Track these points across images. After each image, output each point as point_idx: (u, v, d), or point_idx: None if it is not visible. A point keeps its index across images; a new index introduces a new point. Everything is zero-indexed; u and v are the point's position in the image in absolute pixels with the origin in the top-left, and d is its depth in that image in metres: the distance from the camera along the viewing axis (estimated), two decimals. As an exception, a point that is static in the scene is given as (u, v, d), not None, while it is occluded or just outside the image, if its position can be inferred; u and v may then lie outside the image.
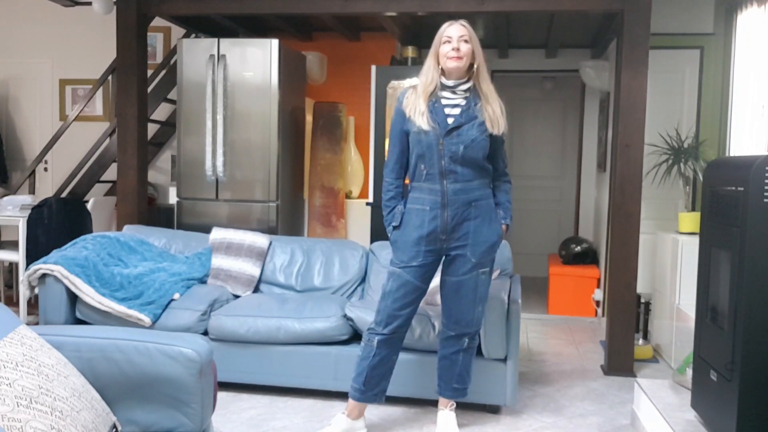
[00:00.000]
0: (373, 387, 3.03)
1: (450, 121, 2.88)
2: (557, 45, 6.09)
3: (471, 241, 2.92)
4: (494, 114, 2.90)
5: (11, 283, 5.75)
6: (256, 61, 4.56)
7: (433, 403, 3.33)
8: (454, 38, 2.86)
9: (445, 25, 2.94)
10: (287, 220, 4.83)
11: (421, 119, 2.87)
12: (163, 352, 1.90)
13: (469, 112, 2.89)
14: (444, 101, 2.91)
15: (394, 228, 3.00)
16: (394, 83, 4.79)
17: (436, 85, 2.91)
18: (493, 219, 2.97)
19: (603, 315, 5.43)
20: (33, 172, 5.94)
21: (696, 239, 3.92)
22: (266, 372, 3.56)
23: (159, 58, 6.36)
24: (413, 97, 2.94)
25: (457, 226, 2.90)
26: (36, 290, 3.68)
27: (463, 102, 2.91)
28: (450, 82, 2.91)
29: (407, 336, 3.11)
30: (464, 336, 3.04)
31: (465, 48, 2.86)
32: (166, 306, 3.61)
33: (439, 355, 3.13)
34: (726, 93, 4.81)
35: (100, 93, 6.42)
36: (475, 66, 2.91)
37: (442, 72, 2.92)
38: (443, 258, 3.00)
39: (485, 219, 2.94)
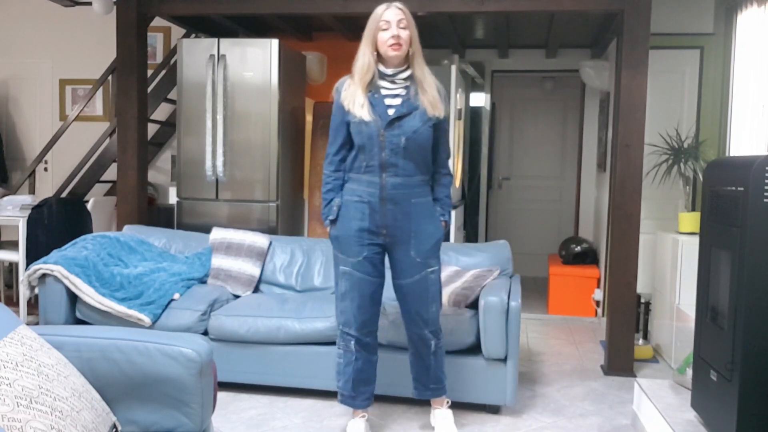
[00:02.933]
0: (362, 391, 3.01)
1: (391, 112, 2.76)
2: (557, 45, 6.09)
3: (414, 240, 2.84)
4: (433, 98, 2.78)
5: (11, 283, 5.74)
6: (256, 61, 4.56)
7: (433, 403, 3.33)
8: (393, 24, 2.73)
9: (380, 9, 2.78)
10: (287, 220, 4.83)
11: (361, 110, 2.76)
12: (163, 352, 1.90)
13: (410, 102, 2.77)
14: (384, 91, 2.79)
15: (332, 222, 2.91)
16: (394, 83, 4.78)
17: (374, 73, 2.78)
18: (433, 216, 2.89)
19: (603, 315, 5.43)
20: (33, 172, 5.95)
21: (696, 239, 3.92)
22: (266, 372, 3.56)
23: (159, 58, 6.36)
24: (352, 87, 2.81)
25: (397, 222, 2.82)
26: (36, 290, 3.68)
27: (403, 92, 2.79)
28: (389, 71, 2.79)
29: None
30: (428, 337, 2.96)
31: (405, 35, 2.74)
32: (166, 306, 3.61)
33: (411, 358, 3.06)
34: (726, 93, 4.81)
35: (100, 93, 6.42)
36: (411, 52, 2.78)
37: (380, 59, 2.80)
38: (389, 258, 2.91)
39: (425, 216, 2.86)
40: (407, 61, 2.80)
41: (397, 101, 2.79)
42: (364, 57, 2.78)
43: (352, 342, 2.96)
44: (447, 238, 4.81)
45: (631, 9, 3.99)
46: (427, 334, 2.96)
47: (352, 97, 2.80)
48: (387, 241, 2.86)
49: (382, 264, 2.93)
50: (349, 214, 2.85)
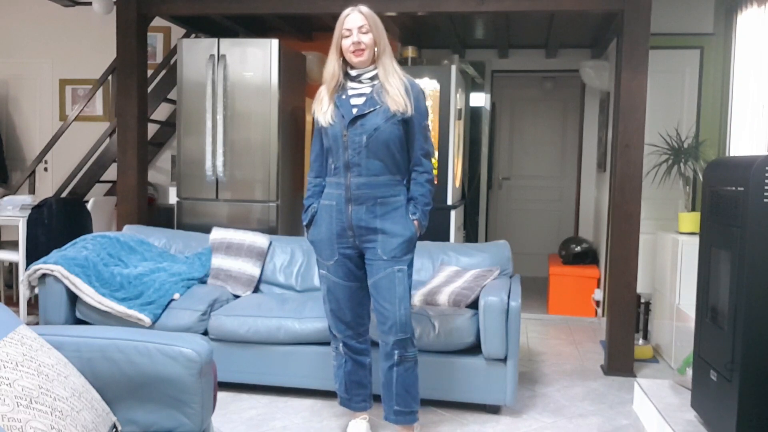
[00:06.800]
0: (357, 394, 3.00)
1: (355, 111, 2.76)
2: (557, 45, 6.09)
3: (380, 239, 2.78)
4: (396, 95, 2.73)
5: (11, 283, 5.74)
6: (256, 61, 4.56)
7: (434, 403, 3.33)
8: (354, 31, 2.74)
9: (343, 15, 2.79)
10: (287, 220, 4.83)
11: (323, 117, 2.81)
12: (163, 352, 1.90)
13: (373, 100, 2.76)
14: (351, 92, 2.81)
15: (306, 226, 2.93)
16: (394, 83, 4.77)
17: (338, 79, 2.81)
18: (403, 216, 2.81)
19: (603, 315, 5.43)
20: (33, 172, 5.94)
21: (696, 239, 3.92)
22: (266, 372, 3.56)
23: (159, 58, 6.35)
24: (321, 95, 2.87)
25: (362, 222, 2.78)
26: (36, 290, 3.68)
27: (368, 90, 2.79)
28: (354, 72, 2.81)
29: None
30: (395, 346, 2.81)
31: (367, 39, 2.74)
32: (166, 306, 3.61)
33: (380, 372, 2.93)
34: (726, 93, 4.81)
35: (100, 93, 6.42)
36: (377, 52, 2.77)
37: (347, 62, 2.81)
38: (365, 260, 2.86)
39: (394, 216, 2.79)
40: (375, 61, 2.81)
41: (361, 100, 2.79)
42: (330, 64, 2.83)
43: (340, 344, 2.98)
44: (448, 238, 4.81)
45: (631, 9, 3.99)
46: (396, 341, 2.80)
47: (319, 104, 2.87)
48: (357, 242, 2.83)
49: (359, 269, 2.89)
50: (321, 218, 2.87)
